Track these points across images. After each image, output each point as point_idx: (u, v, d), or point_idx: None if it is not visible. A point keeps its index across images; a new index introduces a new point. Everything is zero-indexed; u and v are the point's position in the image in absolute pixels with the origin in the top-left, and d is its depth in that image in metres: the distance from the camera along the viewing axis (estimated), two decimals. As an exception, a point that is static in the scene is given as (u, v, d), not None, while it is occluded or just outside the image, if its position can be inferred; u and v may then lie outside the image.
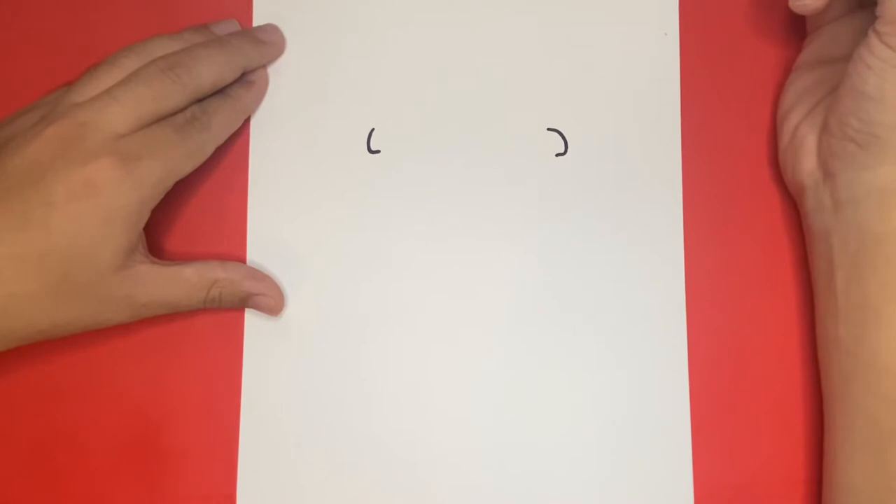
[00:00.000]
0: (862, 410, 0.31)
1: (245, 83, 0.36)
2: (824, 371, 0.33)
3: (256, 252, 0.37)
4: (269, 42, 0.37)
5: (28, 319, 0.31)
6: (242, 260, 0.37)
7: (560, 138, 0.37)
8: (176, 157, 0.32)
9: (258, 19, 0.38)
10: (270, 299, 0.36)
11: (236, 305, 0.36)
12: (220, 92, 0.35)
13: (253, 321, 0.37)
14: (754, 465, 0.35)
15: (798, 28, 0.37)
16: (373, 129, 0.37)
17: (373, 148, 0.37)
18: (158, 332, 0.36)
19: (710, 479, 0.35)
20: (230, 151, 0.37)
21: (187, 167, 0.33)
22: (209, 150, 0.34)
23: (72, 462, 0.36)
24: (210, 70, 0.34)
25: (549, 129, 0.37)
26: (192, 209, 0.37)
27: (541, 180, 0.37)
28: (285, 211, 0.37)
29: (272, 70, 0.38)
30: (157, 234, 0.36)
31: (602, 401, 0.36)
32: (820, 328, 0.34)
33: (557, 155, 0.37)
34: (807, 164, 0.33)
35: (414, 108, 0.37)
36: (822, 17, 0.34)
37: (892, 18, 0.29)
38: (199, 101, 0.34)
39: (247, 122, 0.37)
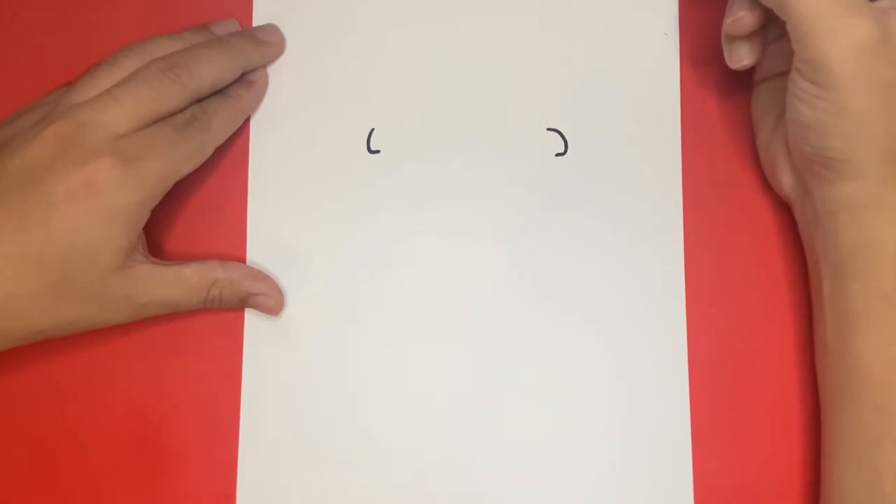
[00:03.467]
0: (850, 415, 0.31)
1: (245, 83, 0.36)
2: (819, 375, 0.34)
3: (256, 252, 0.37)
4: (269, 42, 0.37)
5: (28, 319, 0.31)
6: (242, 260, 0.37)
7: (560, 138, 0.37)
8: (176, 157, 0.32)
9: (258, 19, 0.38)
10: (270, 299, 0.36)
11: (236, 305, 0.36)
12: (219, 92, 0.35)
13: (253, 321, 0.37)
14: (754, 465, 0.35)
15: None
16: (373, 129, 0.37)
17: (373, 148, 0.37)
18: (158, 332, 0.36)
19: (710, 479, 0.35)
20: (230, 151, 0.37)
21: (187, 167, 0.33)
22: (209, 150, 0.34)
23: (72, 462, 0.36)
24: (210, 70, 0.34)
25: (549, 129, 0.37)
26: (192, 209, 0.37)
27: (541, 180, 0.37)
28: (285, 211, 0.37)
29: (272, 70, 0.38)
30: (157, 234, 0.36)
31: (602, 401, 0.36)
32: (814, 333, 0.34)
33: (557, 155, 0.37)
34: (786, 180, 0.34)
35: (414, 108, 0.37)
36: (766, 38, 0.34)
37: (805, 58, 0.29)
38: (199, 101, 0.34)
39: (247, 122, 0.37)
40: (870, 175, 0.30)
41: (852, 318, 0.31)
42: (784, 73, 0.32)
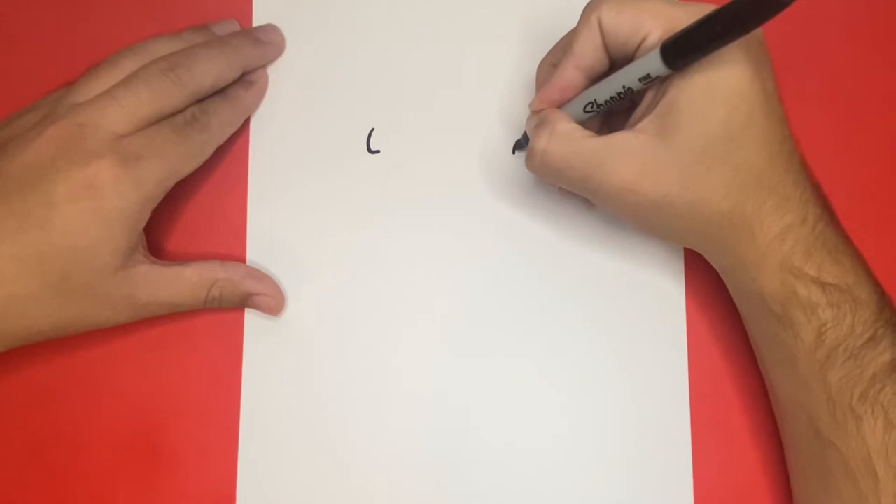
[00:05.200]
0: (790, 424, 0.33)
1: (245, 83, 0.36)
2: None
3: (256, 252, 0.37)
4: (269, 42, 0.37)
5: (28, 320, 0.31)
6: (242, 260, 0.37)
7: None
8: (176, 158, 0.32)
9: (258, 19, 0.38)
10: (270, 299, 0.36)
11: (236, 305, 0.36)
12: (219, 92, 0.35)
13: (253, 321, 0.37)
14: (754, 466, 0.35)
15: (798, 27, 0.37)
16: (373, 129, 0.37)
17: (373, 148, 0.37)
18: (158, 332, 0.36)
19: (710, 479, 0.35)
20: (230, 151, 0.37)
21: (187, 167, 0.33)
22: (209, 150, 0.34)
23: (72, 462, 0.36)
24: (210, 70, 0.33)
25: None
26: (192, 209, 0.37)
27: (541, 180, 0.37)
28: (285, 211, 0.37)
29: (272, 70, 0.38)
30: (157, 234, 0.36)
31: (603, 402, 0.36)
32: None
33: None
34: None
35: (414, 108, 0.37)
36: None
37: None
38: (199, 101, 0.34)
39: (247, 122, 0.37)
40: (714, 251, 0.32)
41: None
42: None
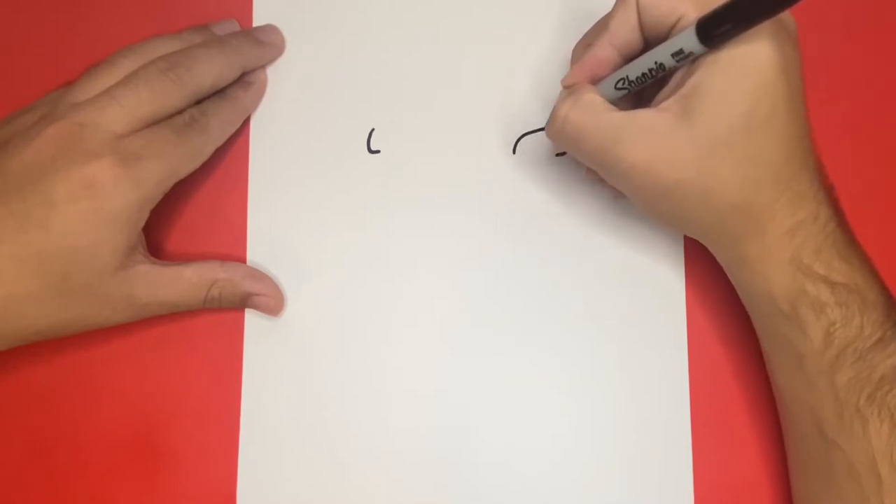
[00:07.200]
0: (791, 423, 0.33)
1: (244, 84, 0.36)
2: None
3: (256, 252, 0.37)
4: (268, 42, 0.37)
5: (28, 320, 0.31)
6: (242, 260, 0.37)
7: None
8: (175, 158, 0.32)
9: (258, 19, 0.38)
10: (270, 299, 0.36)
11: (236, 305, 0.36)
12: (218, 93, 0.35)
13: (253, 321, 0.37)
14: (754, 465, 0.35)
15: (799, 25, 0.37)
16: (373, 129, 0.37)
17: (373, 148, 0.37)
18: (158, 332, 0.36)
19: (710, 479, 0.35)
20: (230, 151, 0.37)
21: (187, 168, 0.33)
22: (209, 151, 0.34)
23: (72, 462, 0.36)
24: (210, 70, 0.33)
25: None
26: (192, 209, 0.37)
27: (541, 179, 0.37)
28: (285, 211, 0.37)
29: (272, 70, 0.38)
30: (157, 234, 0.36)
31: (603, 402, 0.36)
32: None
33: (557, 154, 0.37)
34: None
35: (414, 108, 0.37)
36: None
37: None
38: (199, 101, 0.34)
39: (247, 122, 0.37)
40: (721, 243, 0.31)
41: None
42: None
